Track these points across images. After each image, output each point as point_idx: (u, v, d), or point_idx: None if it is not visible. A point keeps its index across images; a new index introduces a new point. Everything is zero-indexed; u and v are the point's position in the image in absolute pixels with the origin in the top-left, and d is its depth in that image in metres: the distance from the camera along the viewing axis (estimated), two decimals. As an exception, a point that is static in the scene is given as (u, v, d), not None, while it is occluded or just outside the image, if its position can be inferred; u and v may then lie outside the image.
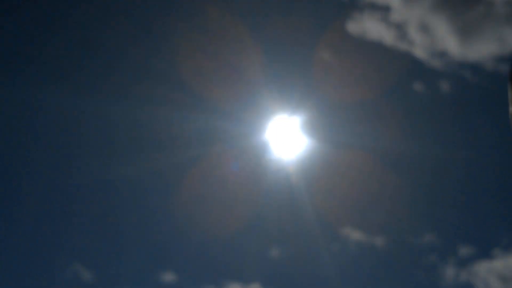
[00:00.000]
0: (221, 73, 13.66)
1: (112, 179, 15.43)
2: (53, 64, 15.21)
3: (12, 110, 15.38)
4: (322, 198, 15.99)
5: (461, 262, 18.17)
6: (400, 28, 16.39)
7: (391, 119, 16.01)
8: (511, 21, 15.98)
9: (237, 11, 14.04)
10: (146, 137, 14.61)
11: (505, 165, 17.94)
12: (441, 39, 16.98)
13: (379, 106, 15.84)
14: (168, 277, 16.89)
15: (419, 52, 16.85)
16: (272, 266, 17.36)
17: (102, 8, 14.90)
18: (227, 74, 13.79)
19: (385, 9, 16.02)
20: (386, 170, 15.84)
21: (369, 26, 15.67)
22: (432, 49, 16.89)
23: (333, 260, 17.30)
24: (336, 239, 17.35)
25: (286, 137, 14.36)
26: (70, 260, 16.52)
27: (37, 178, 16.24)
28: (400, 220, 17.95)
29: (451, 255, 17.73)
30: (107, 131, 15.20)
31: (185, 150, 14.38)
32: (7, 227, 16.22)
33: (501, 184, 18.01)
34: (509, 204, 18.16)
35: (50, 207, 16.58)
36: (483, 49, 17.48)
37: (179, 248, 17.18)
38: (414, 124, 17.14)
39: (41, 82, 14.93)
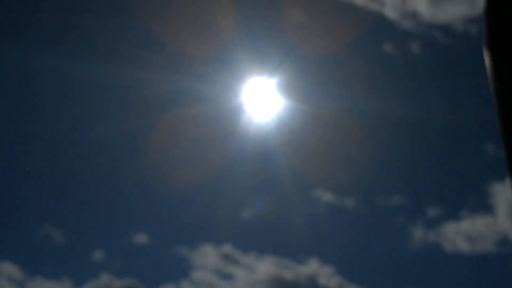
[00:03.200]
0: (196, 34, 13.41)
1: (85, 139, 15.17)
2: (32, 26, 14.75)
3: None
4: (295, 159, 16.01)
5: (430, 223, 18.52)
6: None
7: (363, 79, 16.02)
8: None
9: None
10: (120, 97, 14.35)
11: (474, 126, 18.17)
12: (411, 0, 16.93)
13: (351, 66, 15.82)
14: (141, 238, 16.81)
15: (390, 12, 16.78)
16: (244, 227, 17.42)
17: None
18: (202, 35, 13.55)
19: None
20: (357, 131, 15.91)
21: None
22: (403, 10, 16.84)
23: (304, 221, 17.45)
24: (308, 200, 17.47)
25: (262, 98, 14.25)
26: (41, 221, 16.29)
27: (11, 139, 15.85)
28: (370, 182, 18.13)
29: (420, 216, 18.03)
30: (81, 92, 14.86)
31: (160, 111, 14.19)
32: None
33: (470, 145, 18.27)
34: (478, 165, 18.48)
35: (22, 169, 16.25)
36: (453, 11, 17.49)
37: (152, 209, 17.08)
38: (385, 84, 17.20)
39: (19, 43, 14.48)
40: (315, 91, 15.28)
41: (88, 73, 14.35)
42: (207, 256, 17.49)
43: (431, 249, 17.48)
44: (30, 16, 14.49)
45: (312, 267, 17.67)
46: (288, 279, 17.75)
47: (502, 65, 0.88)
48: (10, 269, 16.24)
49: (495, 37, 0.89)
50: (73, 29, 14.83)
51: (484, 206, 19.54)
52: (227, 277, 18.42)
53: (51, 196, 16.30)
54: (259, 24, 15.23)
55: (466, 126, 17.95)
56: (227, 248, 17.40)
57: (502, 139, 0.86)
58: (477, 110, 17.74)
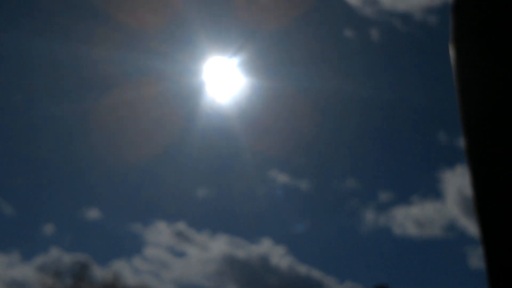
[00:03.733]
0: (156, 12, 13.16)
1: (40, 114, 14.81)
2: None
3: None
4: (254, 139, 16.00)
5: (380, 207, 18.85)
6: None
7: (322, 61, 16.08)
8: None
9: None
10: (77, 75, 14.02)
11: (427, 114, 18.53)
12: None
13: (311, 48, 15.87)
14: (93, 214, 16.58)
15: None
16: (199, 205, 17.37)
17: None
18: (159, 13, 13.31)
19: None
20: (313, 111, 16.00)
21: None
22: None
23: (259, 202, 17.51)
24: (264, 180, 17.52)
25: (223, 77, 14.15)
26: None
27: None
28: (325, 164, 18.30)
29: (371, 199, 18.34)
30: (37, 69, 14.47)
31: (117, 88, 13.91)
32: None
33: (422, 132, 18.63)
34: (429, 152, 18.87)
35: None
36: (413, 0, 17.71)
37: (106, 185, 16.85)
38: (343, 67, 17.32)
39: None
40: (275, 70, 15.27)
41: (44, 51, 14.00)
42: (160, 233, 17.44)
43: (381, 233, 17.88)
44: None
45: (265, 246, 17.87)
46: (240, 258, 17.90)
47: (467, 60, 0.91)
48: (-44, 241, 15.83)
49: (462, 33, 0.92)
50: (28, 6, 14.39)
51: (434, 192, 20.07)
52: (179, 254, 18.44)
53: (2, 169, 15.89)
54: (214, 2, 15.12)
55: (419, 113, 18.32)
56: (181, 225, 17.40)
57: (462, 130, 0.90)
58: (431, 98, 18.11)
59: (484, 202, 0.80)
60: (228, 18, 15.03)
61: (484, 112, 0.86)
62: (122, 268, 16.71)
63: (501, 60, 0.85)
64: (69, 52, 13.79)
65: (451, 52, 0.95)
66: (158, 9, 13.59)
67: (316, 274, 17.38)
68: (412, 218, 17.83)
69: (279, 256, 17.21)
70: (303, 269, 17.18)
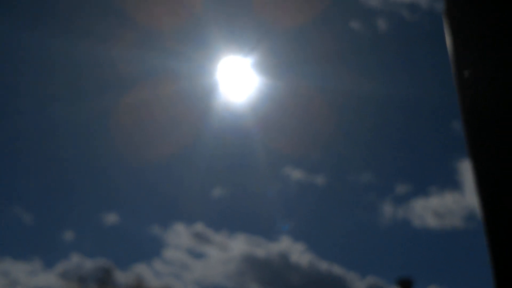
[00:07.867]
0: (170, 11, 13.20)
1: (55, 117, 14.87)
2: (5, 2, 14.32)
3: None
4: (267, 137, 16.01)
5: (398, 199, 18.79)
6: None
7: (333, 56, 16.03)
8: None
9: None
10: (92, 74, 14.06)
11: (441, 103, 18.44)
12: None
13: (321, 44, 15.82)
14: (111, 218, 16.65)
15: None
16: (216, 205, 17.40)
17: None
18: (176, 13, 13.34)
19: None
20: (327, 108, 15.98)
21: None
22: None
23: (275, 199, 17.52)
24: (278, 177, 17.52)
25: (237, 77, 14.15)
26: (10, 203, 15.98)
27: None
28: (340, 159, 18.27)
29: (389, 192, 18.28)
30: (52, 69, 14.52)
31: (132, 88, 13.96)
32: None
33: (437, 123, 18.55)
34: (445, 142, 18.77)
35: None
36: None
37: (122, 189, 16.91)
38: (353, 61, 17.27)
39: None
40: (288, 69, 15.27)
41: (61, 50, 14.06)
42: (179, 235, 17.48)
43: (401, 225, 17.82)
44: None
45: (284, 244, 17.86)
46: (260, 257, 17.90)
47: (460, 30, 0.88)
48: (-22, 250, 15.96)
49: (454, 3, 0.89)
50: (46, 7, 14.46)
51: (452, 182, 19.97)
52: (199, 255, 18.47)
53: (19, 177, 15.99)
54: (232, 2, 15.11)
55: (433, 103, 18.22)
56: (199, 226, 17.42)
57: (459, 106, 0.86)
58: (444, 86, 18.00)
59: (488, 198, 0.78)
60: (242, 18, 15.04)
61: (485, 98, 0.83)
62: (143, 271, 16.80)
63: (498, 30, 0.82)
64: (86, 52, 13.88)
65: (445, 24, 0.90)
66: (175, 9, 13.64)
67: (337, 270, 17.36)
68: (431, 210, 17.76)
69: (299, 253, 17.22)
70: (324, 265, 17.18)
